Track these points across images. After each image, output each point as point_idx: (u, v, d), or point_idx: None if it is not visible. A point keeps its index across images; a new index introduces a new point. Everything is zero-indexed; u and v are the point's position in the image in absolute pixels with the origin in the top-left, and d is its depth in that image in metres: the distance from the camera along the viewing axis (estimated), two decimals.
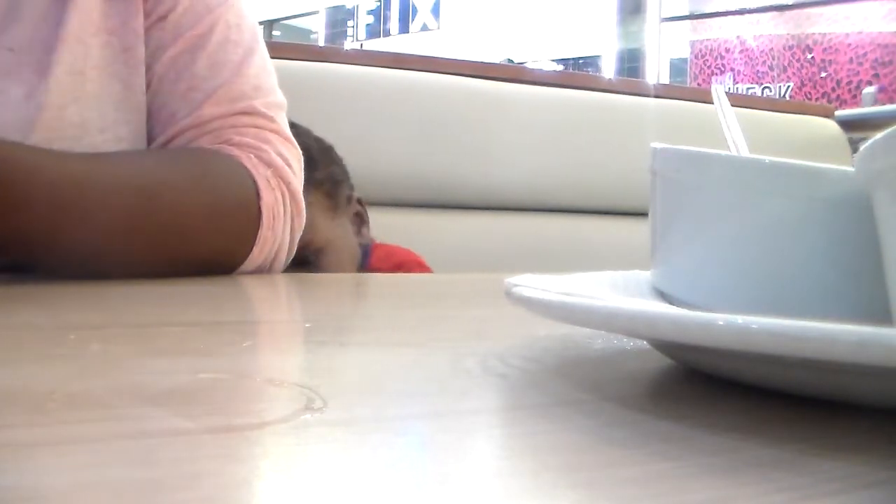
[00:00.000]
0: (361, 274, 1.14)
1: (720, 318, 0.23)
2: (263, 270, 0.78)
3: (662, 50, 5.32)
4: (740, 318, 0.23)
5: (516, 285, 0.32)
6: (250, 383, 0.29)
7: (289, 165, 0.79)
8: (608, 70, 5.31)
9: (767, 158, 0.36)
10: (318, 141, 1.25)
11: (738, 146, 0.44)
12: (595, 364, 0.34)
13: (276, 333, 0.37)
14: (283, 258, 0.81)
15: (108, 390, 0.27)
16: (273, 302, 0.35)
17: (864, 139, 0.29)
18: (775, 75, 4.99)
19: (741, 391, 0.28)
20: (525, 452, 0.22)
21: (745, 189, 0.35)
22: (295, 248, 0.83)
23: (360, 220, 1.33)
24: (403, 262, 1.28)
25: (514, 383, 0.30)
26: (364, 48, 4.89)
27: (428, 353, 0.35)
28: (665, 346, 0.32)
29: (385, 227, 1.42)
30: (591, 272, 0.39)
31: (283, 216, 0.77)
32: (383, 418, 0.25)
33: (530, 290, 0.31)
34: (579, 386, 0.30)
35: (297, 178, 0.82)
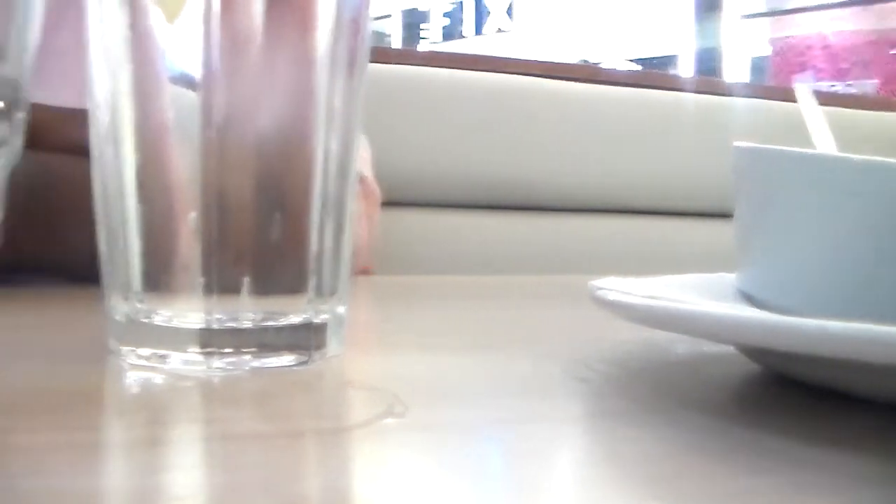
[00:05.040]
0: (442, 276, 1.14)
1: (811, 322, 0.22)
2: None
3: (741, 48, 5.23)
4: (833, 323, 0.22)
5: (600, 288, 0.31)
6: (331, 386, 0.29)
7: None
8: (686, 69, 5.24)
9: (857, 156, 0.35)
10: None
11: (825, 145, 0.42)
12: (679, 369, 0.33)
13: (356, 335, 0.37)
14: (364, 250, 0.80)
15: (185, 390, 0.27)
16: (351, 302, 0.34)
17: None
18: (859, 72, 4.87)
19: (836, 400, 0.27)
20: (608, 461, 0.21)
21: (835, 188, 0.34)
22: (375, 238, 0.82)
23: None
24: None
25: (597, 388, 0.29)
26: (439, 51, 4.90)
27: (508, 357, 0.35)
28: (752, 352, 0.31)
29: (461, 229, 1.41)
30: (675, 275, 0.38)
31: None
32: (464, 424, 0.24)
33: (614, 293, 0.30)
34: (664, 392, 0.29)
35: (367, 166, 0.81)
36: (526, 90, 1.52)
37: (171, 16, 0.30)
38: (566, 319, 0.48)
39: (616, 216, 1.52)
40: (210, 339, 0.30)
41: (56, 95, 0.54)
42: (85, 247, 0.34)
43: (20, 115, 0.25)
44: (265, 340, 0.30)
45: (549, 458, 0.22)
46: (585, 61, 3.58)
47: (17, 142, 0.26)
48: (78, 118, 0.34)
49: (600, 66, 3.01)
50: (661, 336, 0.36)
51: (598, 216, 1.51)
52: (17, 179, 0.28)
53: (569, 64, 1.98)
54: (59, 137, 0.53)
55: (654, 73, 2.27)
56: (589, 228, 1.50)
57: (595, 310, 0.32)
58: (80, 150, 0.34)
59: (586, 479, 0.20)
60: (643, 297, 0.30)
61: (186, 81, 0.30)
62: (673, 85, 1.64)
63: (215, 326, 0.30)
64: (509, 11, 5.65)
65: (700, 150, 1.50)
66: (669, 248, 1.48)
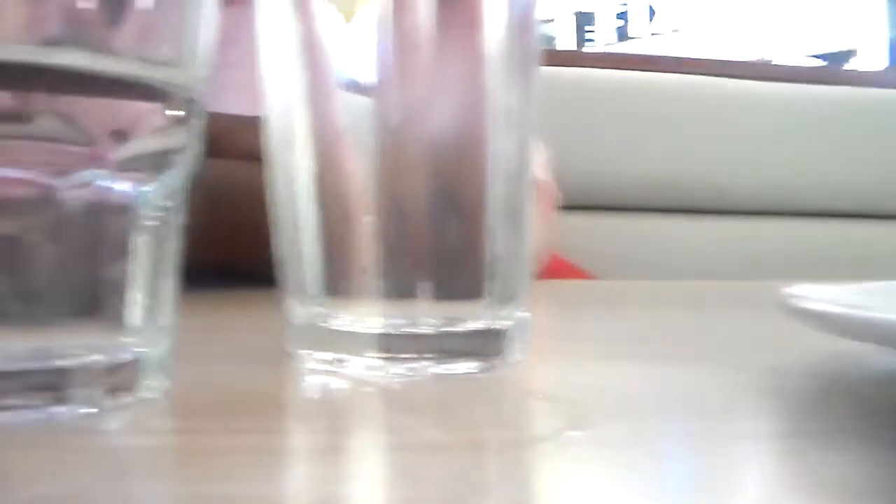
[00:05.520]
0: (623, 281, 1.11)
1: None
2: None
3: None
4: None
5: (793, 296, 0.29)
6: (511, 395, 0.29)
7: None
8: (873, 62, 4.97)
9: None
10: None
11: None
12: (881, 385, 0.31)
13: (538, 341, 0.36)
14: (543, 254, 0.80)
15: (364, 396, 0.27)
16: (532, 307, 0.33)
17: None
18: None
19: None
20: (802, 486, 0.20)
21: None
22: (553, 241, 0.82)
23: None
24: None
25: (790, 404, 0.28)
26: (609, 52, 4.83)
27: (695, 367, 0.33)
28: None
29: (635, 232, 1.39)
30: (874, 282, 0.36)
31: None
32: (651, 440, 0.23)
33: (809, 301, 0.28)
34: (864, 410, 0.27)
35: (543, 169, 0.81)
36: (700, 90, 1.48)
37: (349, 15, 0.30)
38: (755, 328, 0.46)
39: (803, 219, 1.46)
40: (389, 345, 0.30)
41: (232, 106, 0.55)
42: (265, 252, 0.34)
43: (197, 122, 0.26)
44: (445, 346, 0.30)
45: (737, 481, 0.20)
46: (762, 58, 3.46)
47: (196, 148, 0.26)
48: (255, 125, 0.34)
49: (778, 62, 2.91)
50: (858, 348, 0.34)
51: (782, 219, 1.46)
52: (199, 186, 0.28)
53: (745, 61, 1.92)
54: (238, 145, 0.54)
55: (838, 69, 2.17)
56: (775, 232, 1.44)
57: (786, 319, 0.30)
58: (259, 157, 0.34)
59: None
60: (840, 305, 0.28)
61: (359, 85, 0.30)
62: (859, 80, 1.57)
63: (394, 331, 0.30)
64: (680, 10, 5.53)
65: (891, 148, 1.43)
66: (867, 253, 1.41)
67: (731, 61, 1.62)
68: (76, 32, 0.22)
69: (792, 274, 0.46)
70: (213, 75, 0.26)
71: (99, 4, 0.23)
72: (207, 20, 0.26)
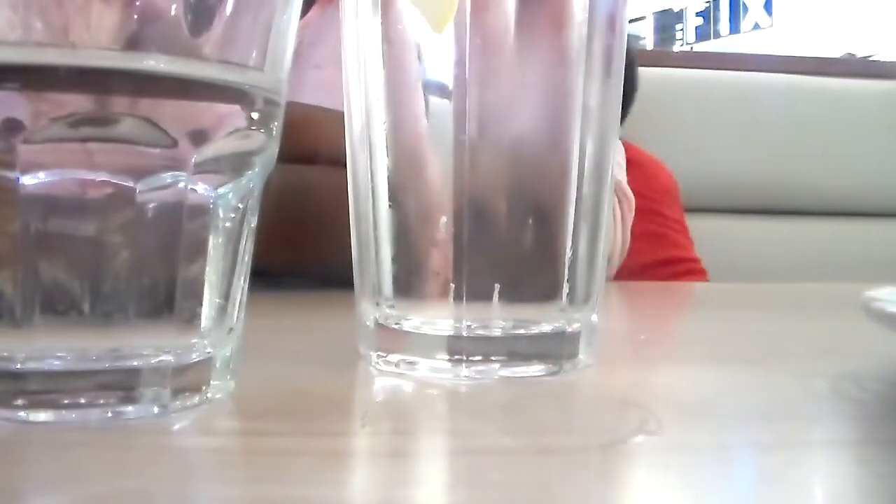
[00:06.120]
0: (697, 283, 1.09)
1: None
2: None
3: None
4: None
5: (876, 300, 0.28)
6: (581, 399, 0.28)
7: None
8: None
9: None
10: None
11: None
12: None
13: (608, 344, 0.36)
14: (617, 256, 0.80)
15: (431, 399, 0.27)
16: (604, 310, 0.33)
17: None
18: None
19: None
20: (883, 497, 0.19)
21: None
22: (627, 243, 0.81)
23: None
24: None
25: (871, 411, 0.27)
26: (694, 51, 4.77)
27: (770, 371, 0.33)
28: None
29: (719, 234, 1.37)
30: None
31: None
32: (722, 446, 0.23)
33: (893, 304, 0.27)
34: None
35: (621, 170, 0.80)
36: (788, 88, 1.45)
37: (439, 25, 0.29)
38: (835, 331, 0.44)
39: (888, 220, 1.42)
40: (459, 347, 0.29)
41: (311, 101, 0.56)
42: (334, 254, 0.34)
43: (276, 125, 0.26)
44: (515, 349, 0.30)
45: (813, 490, 0.20)
46: (851, 55, 3.36)
47: (273, 150, 0.26)
48: (327, 120, 0.34)
49: (871, 59, 2.83)
50: None
51: (870, 220, 1.42)
52: (273, 188, 0.28)
53: (833, 58, 1.88)
54: (307, 138, 0.54)
55: None
56: (860, 233, 1.41)
57: (868, 322, 0.29)
58: (327, 159, 0.34)
59: None
60: None
61: (439, 86, 0.30)
62: None
63: (465, 333, 0.30)
64: (767, 7, 5.42)
65: None
66: None
67: (819, 58, 1.58)
68: (162, 38, 0.23)
69: (878, 276, 0.45)
70: (298, 75, 0.26)
71: (186, 10, 0.23)
72: (291, 23, 0.26)
